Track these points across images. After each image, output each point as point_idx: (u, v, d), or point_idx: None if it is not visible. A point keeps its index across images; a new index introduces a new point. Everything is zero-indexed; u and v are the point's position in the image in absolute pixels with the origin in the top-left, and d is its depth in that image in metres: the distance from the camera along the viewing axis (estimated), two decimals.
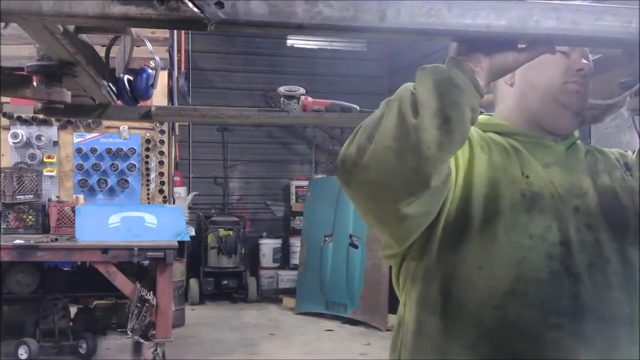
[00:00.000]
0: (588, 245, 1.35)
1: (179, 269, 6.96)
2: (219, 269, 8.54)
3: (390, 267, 1.53)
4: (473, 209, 1.32)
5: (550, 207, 1.35)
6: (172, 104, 6.61)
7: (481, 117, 1.44)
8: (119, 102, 2.53)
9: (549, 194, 1.37)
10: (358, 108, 2.76)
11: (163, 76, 5.73)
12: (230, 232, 8.55)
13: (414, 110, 1.13)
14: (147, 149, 6.19)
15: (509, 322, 1.28)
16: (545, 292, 1.29)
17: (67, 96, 2.13)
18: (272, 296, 8.79)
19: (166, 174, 6.22)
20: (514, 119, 1.47)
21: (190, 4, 0.96)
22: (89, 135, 6.14)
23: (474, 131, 1.40)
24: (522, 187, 1.35)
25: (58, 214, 5.53)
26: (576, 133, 1.52)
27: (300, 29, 0.98)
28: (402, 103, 1.15)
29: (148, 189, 6.20)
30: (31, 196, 5.58)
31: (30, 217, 5.58)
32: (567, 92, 1.43)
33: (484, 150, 1.38)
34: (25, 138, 5.96)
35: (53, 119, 5.87)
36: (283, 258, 9.15)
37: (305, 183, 8.85)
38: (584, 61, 1.46)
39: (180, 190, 7.85)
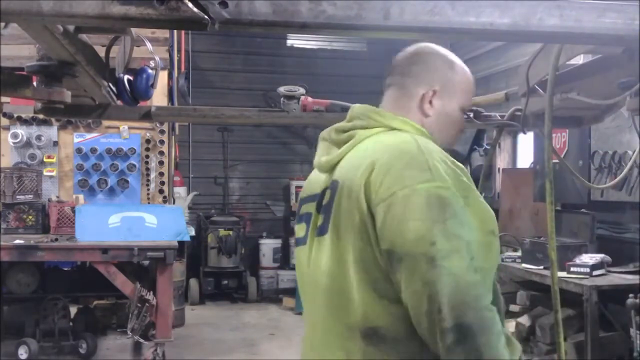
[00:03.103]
0: None
1: (179, 269, 6.96)
2: (219, 269, 8.54)
3: None
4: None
5: None
6: (172, 104, 6.60)
7: (425, 133, 1.57)
8: (119, 102, 2.53)
9: None
10: None
11: (163, 76, 5.73)
12: (230, 232, 8.55)
13: None
14: (147, 149, 6.19)
15: (505, 336, 1.44)
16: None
17: (67, 96, 2.13)
18: (272, 296, 8.78)
19: (166, 174, 6.22)
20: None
21: (190, 4, 0.95)
22: (89, 135, 6.14)
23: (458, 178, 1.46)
24: None
25: (58, 214, 5.52)
26: None
27: (304, 27, 0.98)
28: None
29: (148, 189, 6.20)
30: (31, 196, 5.58)
31: (30, 217, 5.57)
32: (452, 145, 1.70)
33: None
34: (25, 138, 5.96)
35: (53, 119, 5.87)
36: (283, 258, 9.14)
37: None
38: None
39: (180, 190, 7.84)
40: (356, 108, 1.61)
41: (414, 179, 1.36)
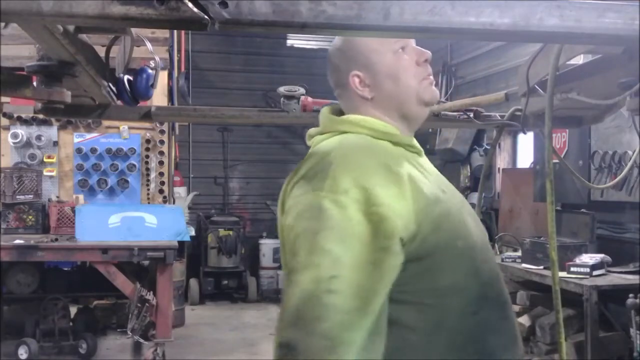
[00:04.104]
0: (486, 244, 1.47)
1: (179, 269, 6.96)
2: (219, 269, 8.54)
3: None
4: (435, 239, 1.32)
5: (463, 216, 1.43)
6: (172, 104, 6.60)
7: (379, 125, 1.46)
8: (119, 102, 2.52)
9: (457, 205, 1.44)
10: None
11: (163, 76, 5.73)
12: (230, 232, 8.55)
13: None
14: (147, 149, 6.19)
15: (483, 322, 1.38)
16: (494, 290, 1.42)
17: (67, 96, 2.12)
18: (272, 296, 8.78)
19: (166, 174, 6.22)
20: None
21: (190, 4, 0.95)
22: (89, 135, 6.14)
23: (396, 166, 1.35)
24: (449, 204, 1.40)
25: (58, 214, 5.52)
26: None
27: (304, 27, 0.98)
28: None
29: (148, 189, 6.20)
30: (31, 196, 5.58)
31: (30, 217, 5.58)
32: (426, 89, 1.50)
33: (416, 183, 1.35)
34: (25, 138, 5.95)
35: (53, 119, 5.86)
36: None
37: None
38: (422, 49, 1.51)
39: (180, 190, 7.84)
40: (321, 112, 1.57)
41: (306, 187, 1.31)
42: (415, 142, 1.51)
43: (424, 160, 1.51)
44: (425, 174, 1.42)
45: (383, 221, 1.24)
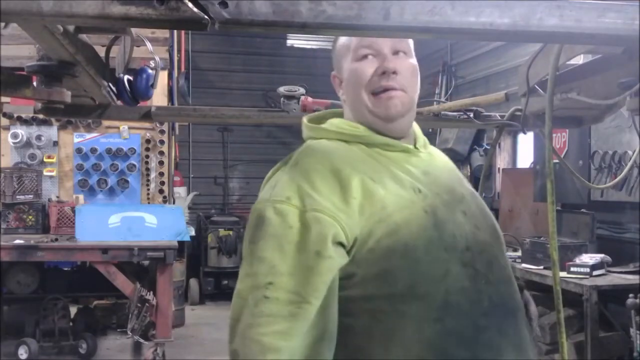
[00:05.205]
0: (483, 245, 1.39)
1: (179, 269, 6.96)
2: (219, 269, 8.55)
3: None
4: (391, 242, 1.29)
5: (447, 215, 1.36)
6: (172, 104, 6.60)
7: (349, 128, 1.45)
8: (119, 102, 2.52)
9: (441, 204, 1.37)
10: None
11: (163, 76, 5.73)
12: (230, 232, 8.56)
13: None
14: (147, 149, 6.19)
15: (448, 332, 1.29)
16: (471, 297, 1.33)
17: (67, 96, 2.12)
18: None
19: (166, 174, 6.22)
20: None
21: (190, 4, 0.95)
22: (89, 135, 6.14)
23: (353, 172, 1.33)
24: (422, 204, 1.35)
25: (58, 214, 5.53)
26: (419, 133, 1.54)
27: (304, 27, 0.98)
28: None
29: (148, 189, 6.20)
30: (31, 196, 5.58)
31: (30, 217, 5.58)
32: (376, 104, 1.42)
33: (370, 186, 1.33)
34: (25, 138, 5.96)
35: (53, 119, 5.87)
36: None
37: None
38: (386, 64, 1.42)
39: (180, 190, 7.84)
40: None
41: (261, 196, 1.37)
42: (395, 140, 1.44)
43: (415, 158, 1.45)
44: (402, 175, 1.38)
45: (317, 225, 1.26)
